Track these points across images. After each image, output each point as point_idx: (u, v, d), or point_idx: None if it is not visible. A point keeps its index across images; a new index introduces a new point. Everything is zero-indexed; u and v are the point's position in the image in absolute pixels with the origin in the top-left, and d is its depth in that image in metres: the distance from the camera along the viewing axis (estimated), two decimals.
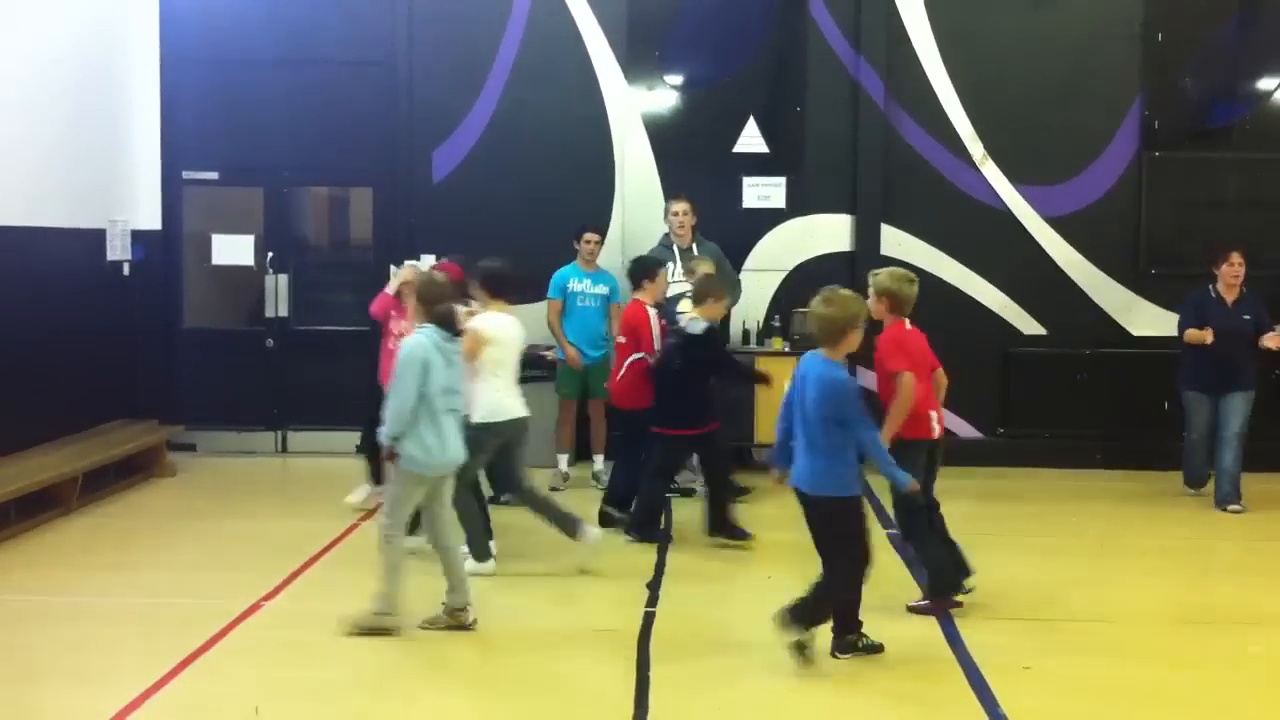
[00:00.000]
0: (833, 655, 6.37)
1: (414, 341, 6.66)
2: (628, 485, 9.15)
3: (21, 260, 9.78)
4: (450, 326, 6.76)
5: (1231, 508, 9.77)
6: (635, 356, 9.05)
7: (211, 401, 11.79)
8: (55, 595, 7.30)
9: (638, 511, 8.85)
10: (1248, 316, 9.84)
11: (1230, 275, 9.88)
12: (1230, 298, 9.91)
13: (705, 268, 9.65)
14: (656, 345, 9.03)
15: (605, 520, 8.88)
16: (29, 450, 9.65)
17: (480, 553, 7.86)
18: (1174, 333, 10.24)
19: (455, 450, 6.77)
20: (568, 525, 7.98)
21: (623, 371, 9.16)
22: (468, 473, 7.35)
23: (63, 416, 10.30)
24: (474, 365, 7.51)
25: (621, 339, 9.25)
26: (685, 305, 9.12)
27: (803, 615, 6.23)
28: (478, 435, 7.37)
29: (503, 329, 7.81)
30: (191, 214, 11.98)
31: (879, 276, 7.18)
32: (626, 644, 6.61)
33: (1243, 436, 9.80)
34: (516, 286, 8.20)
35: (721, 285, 8.95)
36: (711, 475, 8.84)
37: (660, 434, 8.76)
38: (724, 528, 8.66)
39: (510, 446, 7.91)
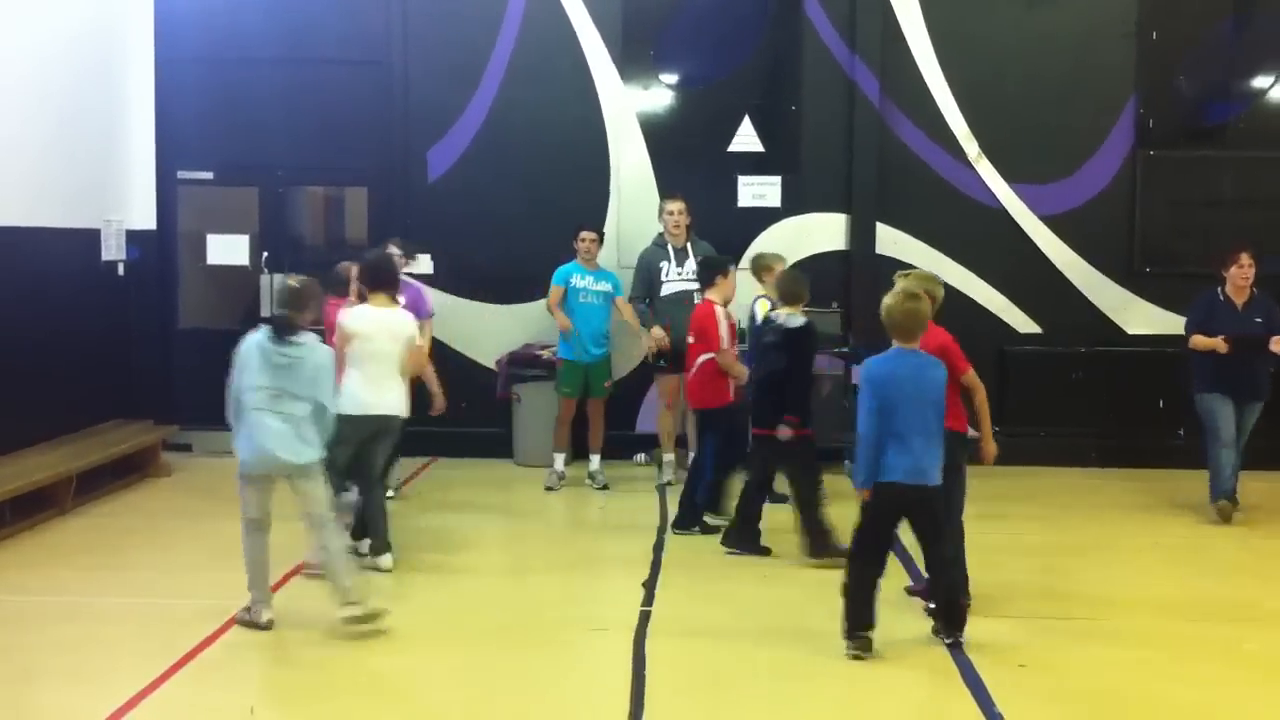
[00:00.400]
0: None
1: (245, 340, 6.88)
2: (716, 484, 8.99)
3: (16, 260, 9.76)
4: (280, 331, 6.78)
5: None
6: (706, 356, 8.81)
7: (207, 402, 11.59)
8: (51, 595, 7.29)
9: (814, 533, 8.27)
10: (1259, 320, 9.43)
11: (1240, 277, 9.44)
12: (1240, 300, 9.49)
13: (780, 264, 9.45)
14: (724, 343, 8.79)
15: (704, 529, 8.78)
16: (24, 450, 9.64)
17: (378, 546, 7.94)
18: (1170, 331, 10.23)
19: (261, 451, 6.78)
20: (377, 541, 7.95)
21: (694, 371, 8.93)
22: (330, 465, 7.28)
23: (58, 417, 10.29)
24: (344, 358, 7.64)
25: (690, 339, 9.00)
26: (763, 305, 8.74)
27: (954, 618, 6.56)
28: (338, 426, 7.28)
29: (366, 322, 7.79)
30: (186, 214, 11.97)
31: (910, 279, 7.16)
32: (622, 643, 6.61)
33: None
34: (393, 280, 8.04)
35: (805, 281, 8.57)
36: (760, 484, 8.56)
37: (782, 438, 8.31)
38: (744, 542, 8.48)
39: (367, 443, 7.88)
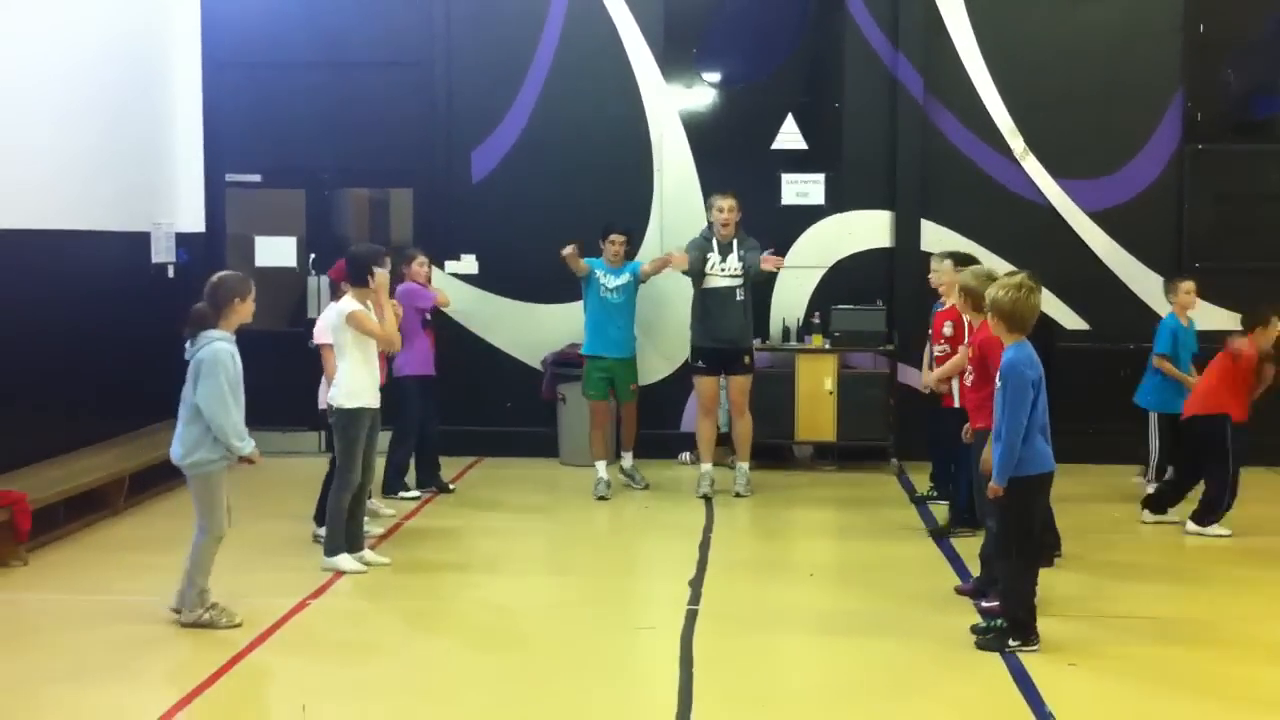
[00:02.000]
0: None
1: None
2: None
3: (67, 263, 9.89)
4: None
5: None
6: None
7: (255, 402, 11.72)
8: (103, 595, 7.38)
9: None
10: None
11: None
12: None
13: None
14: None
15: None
16: (77, 451, 9.78)
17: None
18: (1220, 326, 10.05)
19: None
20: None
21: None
22: None
23: (110, 418, 10.43)
24: None
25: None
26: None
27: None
28: None
29: None
30: (234, 216, 12.11)
31: (981, 274, 7.18)
32: (670, 642, 6.62)
33: None
34: (356, 272, 8.22)
35: None
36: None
37: None
38: None
39: None
